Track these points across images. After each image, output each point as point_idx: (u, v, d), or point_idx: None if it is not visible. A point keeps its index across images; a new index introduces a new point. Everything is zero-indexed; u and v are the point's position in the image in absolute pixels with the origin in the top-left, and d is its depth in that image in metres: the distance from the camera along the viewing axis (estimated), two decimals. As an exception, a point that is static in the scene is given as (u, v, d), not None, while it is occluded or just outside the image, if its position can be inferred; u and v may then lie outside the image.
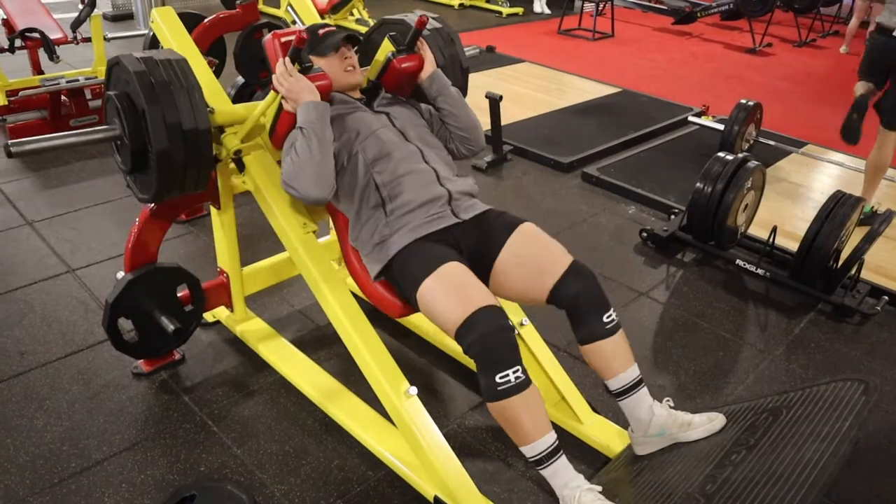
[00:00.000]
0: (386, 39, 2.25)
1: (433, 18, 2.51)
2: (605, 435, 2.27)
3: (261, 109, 2.14)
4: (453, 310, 1.82)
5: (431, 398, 2.50)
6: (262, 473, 2.18)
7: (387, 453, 2.17)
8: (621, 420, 2.31)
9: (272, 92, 2.07)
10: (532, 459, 1.83)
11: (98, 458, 2.20)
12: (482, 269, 2.01)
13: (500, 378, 1.76)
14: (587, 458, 2.26)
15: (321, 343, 2.76)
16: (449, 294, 1.85)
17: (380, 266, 2.04)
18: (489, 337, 1.77)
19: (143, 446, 2.26)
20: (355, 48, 2.23)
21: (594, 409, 2.36)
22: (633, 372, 1.99)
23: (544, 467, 1.82)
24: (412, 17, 2.32)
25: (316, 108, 2.00)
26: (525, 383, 1.78)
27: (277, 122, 2.15)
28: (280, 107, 2.10)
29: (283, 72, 2.01)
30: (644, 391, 2.01)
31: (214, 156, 2.17)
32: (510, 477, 2.21)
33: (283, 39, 2.26)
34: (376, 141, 2.10)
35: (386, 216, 2.03)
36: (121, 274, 2.47)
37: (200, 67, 2.24)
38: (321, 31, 2.21)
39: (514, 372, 1.77)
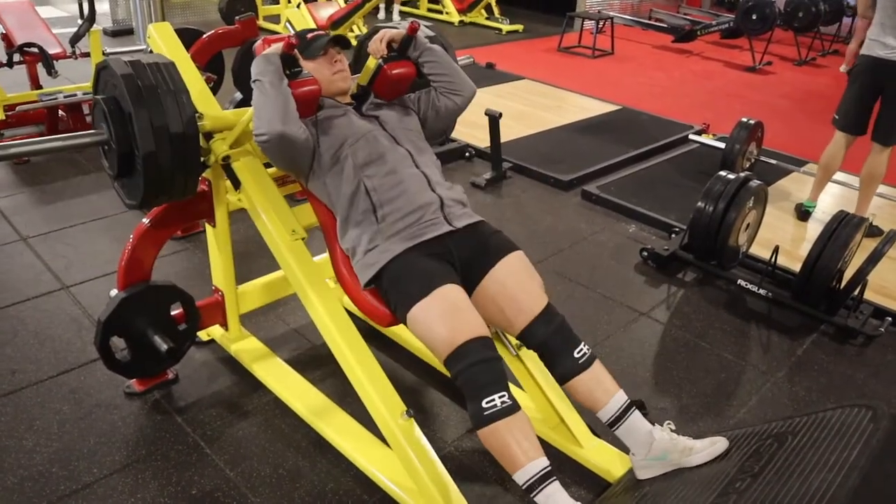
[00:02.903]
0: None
1: (426, 26, 2.49)
2: (605, 459, 2.22)
3: (250, 115, 2.11)
4: (444, 338, 1.83)
5: (427, 420, 2.45)
6: (255, 497, 2.13)
7: (382, 476, 2.12)
8: (622, 444, 2.26)
9: None
10: (525, 486, 1.80)
11: (88, 481, 2.15)
12: (468, 283, 2.00)
13: (487, 403, 1.78)
14: (587, 483, 2.22)
15: (317, 363, 2.71)
16: (442, 320, 1.84)
17: (371, 273, 2.00)
18: (476, 367, 1.80)
19: (134, 468, 2.21)
20: (344, 51, 2.23)
21: (594, 433, 2.32)
22: (619, 398, 1.99)
23: (537, 492, 1.79)
24: (404, 24, 2.31)
25: (265, 58, 2.02)
26: (512, 408, 1.80)
27: None
28: None
29: None
30: (637, 415, 1.99)
31: (203, 161, 2.16)
32: (507, 501, 2.16)
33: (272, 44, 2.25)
34: (366, 145, 2.08)
35: (377, 222, 2.00)
36: (114, 291, 2.43)
37: (190, 74, 2.22)
38: (310, 35, 2.21)
39: (500, 397, 1.79)
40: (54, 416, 2.40)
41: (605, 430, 2.40)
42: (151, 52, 2.40)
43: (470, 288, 2.00)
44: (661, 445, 1.95)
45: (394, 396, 2.03)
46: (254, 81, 2.00)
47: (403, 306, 1.91)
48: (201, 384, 2.59)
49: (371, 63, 2.21)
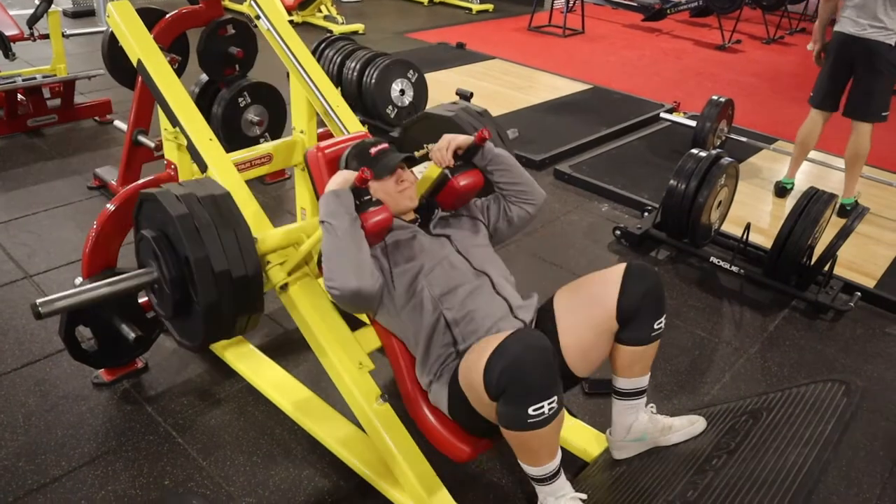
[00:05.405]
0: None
1: (479, 113, 2.28)
2: (581, 438, 2.22)
3: (310, 243, 1.94)
4: (485, 352, 1.60)
5: (402, 404, 2.43)
6: (229, 486, 2.10)
7: (358, 462, 2.10)
8: (597, 423, 2.27)
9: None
10: (535, 477, 1.72)
11: (56, 475, 2.11)
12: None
13: (534, 411, 1.53)
14: (564, 463, 2.17)
15: (290, 348, 2.68)
16: (485, 347, 1.62)
17: (446, 389, 1.81)
18: (524, 357, 1.53)
19: (104, 460, 2.17)
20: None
21: (570, 413, 2.31)
22: (646, 379, 1.92)
23: (546, 485, 1.71)
24: (463, 119, 2.06)
25: (335, 196, 1.79)
26: (558, 411, 1.58)
27: None
28: None
29: None
30: (643, 400, 1.94)
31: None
32: (485, 483, 2.16)
33: (327, 152, 2.07)
34: (442, 274, 1.86)
35: (458, 355, 1.80)
36: (79, 280, 2.37)
37: (239, 190, 2.02)
38: (373, 150, 1.97)
39: (549, 403, 1.53)
40: (19, 409, 2.34)
41: (581, 409, 2.41)
42: (112, 32, 2.31)
43: (561, 359, 1.81)
44: (641, 427, 1.94)
45: (368, 381, 2.00)
46: (322, 222, 1.78)
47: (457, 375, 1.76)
48: (172, 372, 2.54)
49: (434, 172, 2.00)
